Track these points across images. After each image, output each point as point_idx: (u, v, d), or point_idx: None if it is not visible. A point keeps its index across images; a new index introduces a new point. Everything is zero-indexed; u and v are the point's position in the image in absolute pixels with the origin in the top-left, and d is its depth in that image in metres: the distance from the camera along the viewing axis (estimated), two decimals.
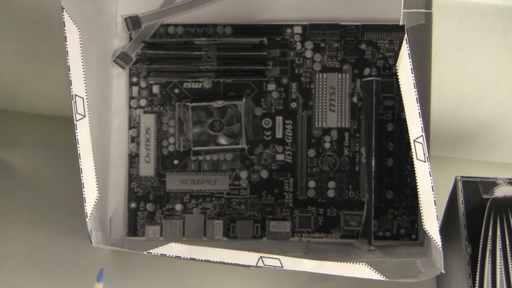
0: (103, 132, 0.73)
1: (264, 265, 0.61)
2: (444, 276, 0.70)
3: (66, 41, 0.62)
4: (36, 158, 0.83)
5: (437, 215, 0.60)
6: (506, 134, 0.79)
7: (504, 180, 0.66)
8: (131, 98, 0.75)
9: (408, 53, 0.59)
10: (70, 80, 0.62)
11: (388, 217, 0.74)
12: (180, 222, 0.75)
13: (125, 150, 0.75)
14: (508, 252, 0.62)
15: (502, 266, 0.62)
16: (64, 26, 0.62)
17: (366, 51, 0.74)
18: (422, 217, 0.60)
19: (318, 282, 0.75)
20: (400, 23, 0.61)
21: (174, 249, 0.62)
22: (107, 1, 0.73)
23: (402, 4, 0.60)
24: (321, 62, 0.75)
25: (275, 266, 0.61)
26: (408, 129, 0.60)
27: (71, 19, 0.62)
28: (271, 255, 0.61)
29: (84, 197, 0.63)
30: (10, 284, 0.76)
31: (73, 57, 0.63)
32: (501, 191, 0.66)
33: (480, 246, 0.63)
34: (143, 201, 0.75)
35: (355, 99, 0.75)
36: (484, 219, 0.64)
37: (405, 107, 0.60)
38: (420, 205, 0.60)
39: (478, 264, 0.63)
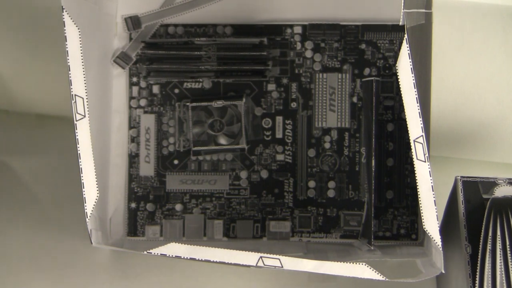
0: (103, 132, 0.73)
1: (264, 265, 0.61)
2: (444, 276, 0.70)
3: (66, 41, 0.62)
4: (36, 158, 0.83)
5: (437, 215, 0.60)
6: (506, 134, 0.79)
7: (504, 180, 0.66)
8: (131, 98, 0.75)
9: (408, 53, 0.59)
10: (70, 80, 0.62)
11: (388, 217, 0.74)
12: (180, 222, 0.75)
13: (125, 150, 0.75)
14: (508, 252, 0.62)
15: (502, 266, 0.62)
16: (64, 26, 0.62)
17: (366, 51, 0.75)
18: (422, 217, 0.60)
19: (318, 282, 0.75)
20: (400, 23, 0.61)
21: (174, 249, 0.62)
22: (107, 1, 0.73)
23: (402, 4, 0.60)
24: (321, 62, 0.75)
25: (275, 266, 0.61)
26: (408, 129, 0.60)
27: (71, 19, 0.62)
28: (271, 255, 0.61)
29: (84, 197, 0.63)
30: (10, 284, 0.76)
31: (73, 57, 0.63)
32: (501, 191, 0.66)
33: (480, 246, 0.63)
34: (143, 201, 0.75)
35: (355, 99, 0.75)
36: (484, 219, 0.64)
37: (405, 107, 0.60)
38: (420, 205, 0.60)
39: (478, 264, 0.63)
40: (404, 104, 0.60)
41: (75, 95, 0.62)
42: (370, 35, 0.74)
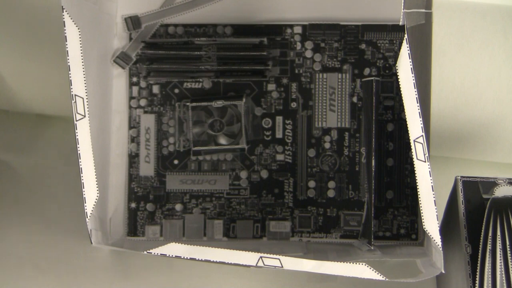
0: (103, 132, 0.73)
1: (264, 265, 0.61)
2: (444, 276, 0.70)
3: (66, 41, 0.62)
4: (36, 158, 0.84)
5: (437, 215, 0.60)
6: (506, 134, 0.79)
7: (504, 180, 0.66)
8: (131, 98, 0.75)
9: (408, 53, 0.59)
10: (70, 80, 0.62)
11: (388, 217, 0.74)
12: (180, 222, 0.75)
13: (125, 150, 0.75)
14: (508, 252, 0.62)
15: (502, 266, 0.62)
16: (64, 26, 0.62)
17: (366, 51, 0.75)
18: (422, 217, 0.60)
19: (318, 282, 0.75)
20: (400, 23, 0.61)
21: (174, 249, 0.62)
22: (107, 1, 0.73)
23: (402, 4, 0.60)
24: (321, 62, 0.75)
25: (275, 266, 0.61)
26: (408, 129, 0.60)
27: (71, 19, 0.62)
28: (271, 255, 0.61)
29: (84, 197, 0.63)
30: (10, 284, 0.76)
31: (73, 57, 0.63)
32: (501, 191, 0.66)
33: (480, 246, 0.63)
34: (143, 201, 0.75)
35: (355, 99, 0.75)
36: (484, 219, 0.64)
37: (405, 107, 0.60)
38: (420, 205, 0.60)
39: (478, 264, 0.63)
40: (404, 104, 0.60)
41: (75, 95, 0.62)
42: (370, 35, 0.74)
